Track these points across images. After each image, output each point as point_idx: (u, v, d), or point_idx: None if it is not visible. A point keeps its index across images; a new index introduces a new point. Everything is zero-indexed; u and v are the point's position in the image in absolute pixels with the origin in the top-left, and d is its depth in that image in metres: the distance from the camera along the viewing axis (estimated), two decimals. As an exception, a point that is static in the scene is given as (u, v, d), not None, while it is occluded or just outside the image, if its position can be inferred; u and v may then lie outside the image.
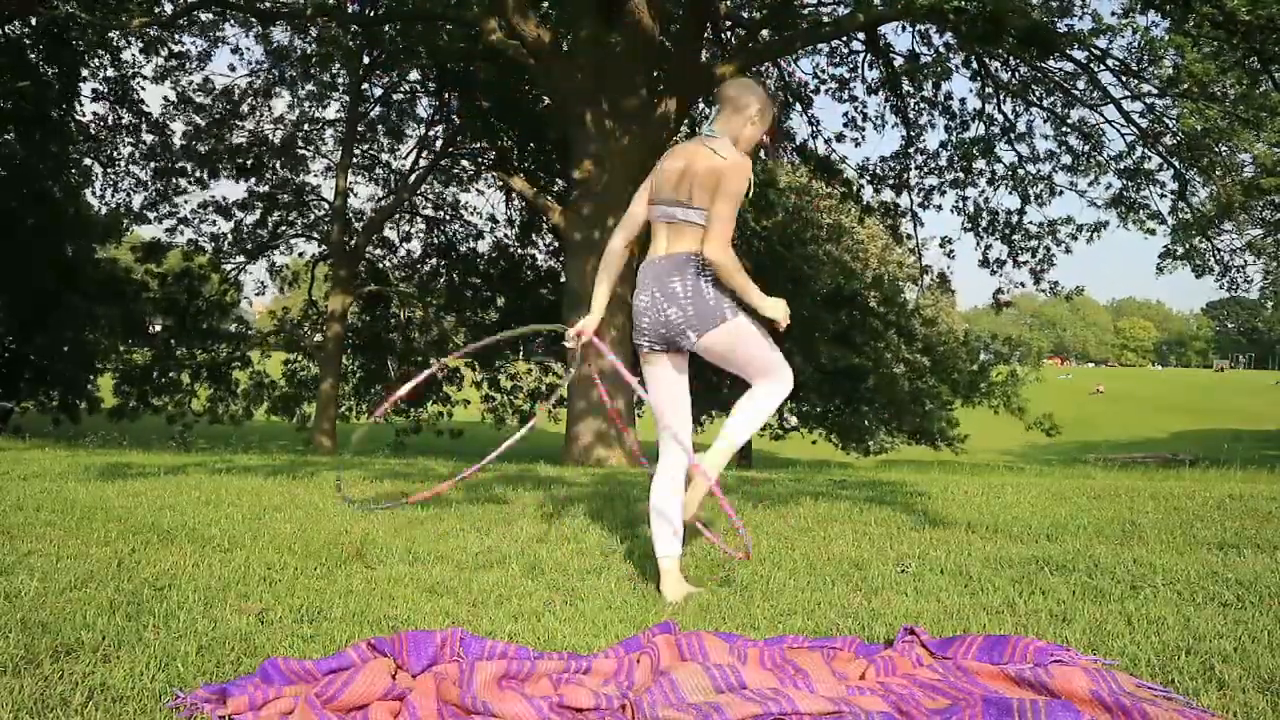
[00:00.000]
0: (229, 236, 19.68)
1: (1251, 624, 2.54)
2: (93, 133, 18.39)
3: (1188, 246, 14.67)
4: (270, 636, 2.36)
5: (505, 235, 20.66)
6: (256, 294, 22.46)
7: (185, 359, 19.13)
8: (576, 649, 2.37)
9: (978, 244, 15.25)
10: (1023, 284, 15.63)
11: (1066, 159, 14.16)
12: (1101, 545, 3.70)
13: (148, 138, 18.62)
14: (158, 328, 19.93)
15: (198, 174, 18.92)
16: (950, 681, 2.07)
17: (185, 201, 19.38)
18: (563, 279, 13.26)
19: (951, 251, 17.02)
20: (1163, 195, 13.85)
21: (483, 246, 21.14)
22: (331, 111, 19.81)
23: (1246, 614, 2.66)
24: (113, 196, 18.89)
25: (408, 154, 20.40)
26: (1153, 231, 13.76)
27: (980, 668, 2.12)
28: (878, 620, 2.64)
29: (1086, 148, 13.94)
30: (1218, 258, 15.46)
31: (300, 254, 21.14)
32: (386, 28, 16.05)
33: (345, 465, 6.87)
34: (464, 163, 20.16)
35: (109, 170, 18.79)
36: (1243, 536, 3.86)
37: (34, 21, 15.29)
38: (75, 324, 17.36)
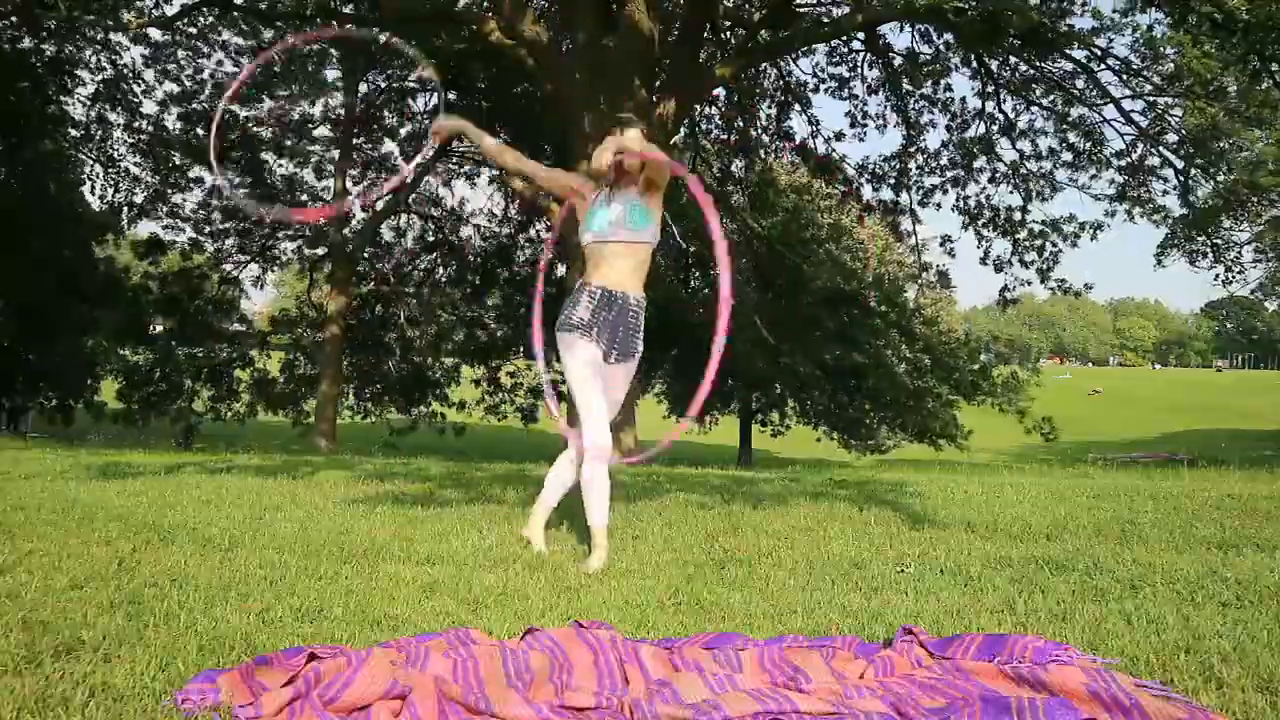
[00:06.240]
0: (227, 235, 19.65)
1: (1251, 623, 2.54)
2: (90, 129, 18.33)
3: (1188, 240, 14.69)
4: (270, 636, 2.36)
5: (496, 232, 20.64)
6: (256, 290, 22.45)
7: (186, 361, 19.09)
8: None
9: (979, 242, 15.12)
10: (1028, 282, 15.41)
11: (1067, 155, 14.15)
12: (1101, 545, 3.70)
13: (145, 125, 18.60)
14: (158, 329, 19.89)
15: (193, 174, 18.92)
16: (949, 681, 2.07)
17: (184, 200, 19.39)
18: (559, 275, 13.22)
19: (952, 250, 16.78)
20: (1165, 193, 13.88)
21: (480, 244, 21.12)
22: (325, 112, 19.86)
23: (1246, 613, 2.66)
24: (113, 195, 18.88)
25: (405, 154, 20.36)
26: (1163, 216, 13.69)
27: (979, 667, 2.12)
28: (877, 620, 2.64)
29: (1088, 145, 13.92)
30: (1218, 254, 15.46)
31: (292, 256, 21.08)
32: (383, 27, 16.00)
33: (342, 465, 6.87)
34: (457, 162, 20.14)
35: (109, 170, 18.77)
36: (1242, 536, 3.87)
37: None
38: (73, 328, 17.33)
